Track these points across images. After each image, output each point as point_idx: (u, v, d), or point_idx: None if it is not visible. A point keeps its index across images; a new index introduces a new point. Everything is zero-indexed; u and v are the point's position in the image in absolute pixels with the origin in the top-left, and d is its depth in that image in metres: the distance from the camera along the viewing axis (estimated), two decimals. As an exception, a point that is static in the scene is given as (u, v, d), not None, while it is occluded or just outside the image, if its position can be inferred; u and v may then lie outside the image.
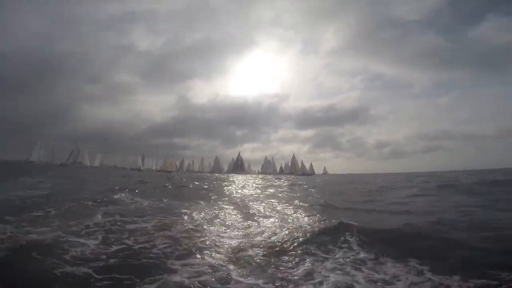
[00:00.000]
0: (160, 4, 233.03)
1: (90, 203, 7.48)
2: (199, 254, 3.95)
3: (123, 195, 9.52)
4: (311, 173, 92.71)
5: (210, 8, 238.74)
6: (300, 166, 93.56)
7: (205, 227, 5.64)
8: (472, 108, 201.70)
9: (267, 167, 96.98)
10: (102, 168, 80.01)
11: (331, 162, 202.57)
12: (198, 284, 3.01)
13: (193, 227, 5.42)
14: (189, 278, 3.15)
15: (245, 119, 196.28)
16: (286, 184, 24.51)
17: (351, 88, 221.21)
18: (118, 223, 5.45)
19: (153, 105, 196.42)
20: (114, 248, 4.03)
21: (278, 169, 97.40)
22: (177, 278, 3.12)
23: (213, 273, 3.32)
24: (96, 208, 6.87)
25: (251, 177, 45.54)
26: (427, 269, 3.46)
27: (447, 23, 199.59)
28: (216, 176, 45.97)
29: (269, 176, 58.70)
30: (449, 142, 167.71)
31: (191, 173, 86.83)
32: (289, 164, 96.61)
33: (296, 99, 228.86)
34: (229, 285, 3.07)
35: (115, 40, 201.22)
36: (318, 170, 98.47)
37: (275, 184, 24.26)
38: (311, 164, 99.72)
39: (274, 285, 3.13)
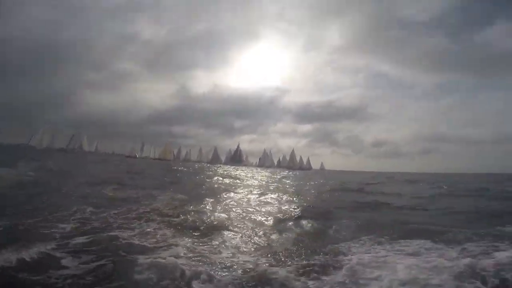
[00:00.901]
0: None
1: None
2: None
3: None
4: (308, 168, 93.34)
5: (214, 1, 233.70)
6: (298, 161, 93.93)
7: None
8: (471, 112, 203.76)
9: (265, 160, 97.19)
10: (98, 154, 78.98)
11: (328, 158, 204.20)
12: None
13: None
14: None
15: (245, 111, 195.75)
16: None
17: (352, 86, 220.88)
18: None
19: (154, 93, 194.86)
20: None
21: (275, 162, 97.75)
22: None
23: None
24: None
25: (256, 172, 44.89)
26: None
27: (454, 26, 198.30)
28: (220, 170, 45.44)
29: (267, 172, 58.56)
30: (446, 145, 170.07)
31: (189, 162, 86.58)
32: (287, 158, 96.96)
33: (297, 94, 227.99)
34: None
35: (120, 29, 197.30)
36: (316, 165, 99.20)
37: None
38: (308, 159, 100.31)
39: None
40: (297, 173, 51.19)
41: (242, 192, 12.09)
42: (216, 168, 48.94)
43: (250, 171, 48.27)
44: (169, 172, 24.21)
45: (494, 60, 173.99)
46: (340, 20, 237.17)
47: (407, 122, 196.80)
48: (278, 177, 30.09)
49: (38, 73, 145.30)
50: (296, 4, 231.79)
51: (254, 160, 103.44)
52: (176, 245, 4.23)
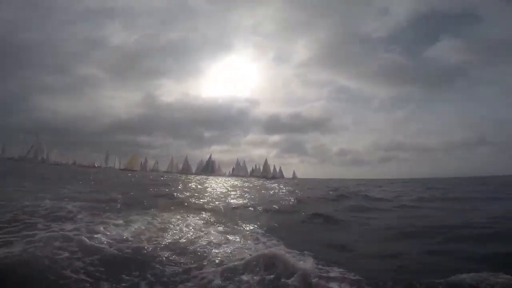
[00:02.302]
0: (139, 0, 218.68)
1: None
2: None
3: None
4: (280, 176, 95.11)
5: (190, 9, 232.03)
6: (271, 170, 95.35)
7: None
8: (422, 122, 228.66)
9: (239, 170, 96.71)
10: (55, 165, 70.77)
11: (298, 167, 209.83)
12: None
13: None
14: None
15: (215, 121, 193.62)
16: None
17: (318, 98, 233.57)
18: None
19: (119, 100, 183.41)
20: None
21: (249, 172, 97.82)
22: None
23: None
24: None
25: (236, 180, 44.60)
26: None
27: (408, 41, 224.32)
28: (198, 179, 44.16)
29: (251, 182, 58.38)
30: (402, 153, 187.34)
31: (157, 172, 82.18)
32: (260, 168, 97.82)
33: (266, 105, 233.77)
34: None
35: (87, 33, 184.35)
36: (288, 174, 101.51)
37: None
38: (280, 168, 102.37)
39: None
40: (283, 182, 52.03)
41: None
42: (194, 177, 47.42)
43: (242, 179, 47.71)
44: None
45: (440, 73, 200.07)
46: (307, 36, 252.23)
47: (368, 132, 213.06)
48: (278, 185, 30.00)
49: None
50: (269, 19, 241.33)
51: (227, 170, 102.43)
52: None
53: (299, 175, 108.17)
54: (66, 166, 67.21)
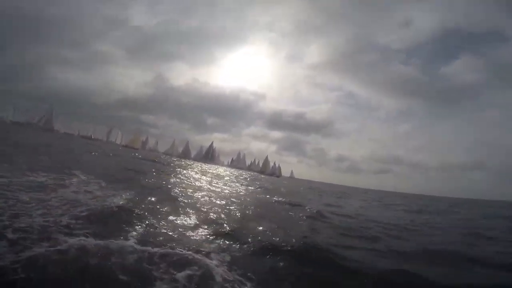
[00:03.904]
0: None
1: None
2: None
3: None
4: (278, 175, 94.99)
5: (212, 2, 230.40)
6: (271, 167, 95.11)
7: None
8: (424, 139, 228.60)
9: (239, 162, 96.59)
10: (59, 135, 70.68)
11: (295, 167, 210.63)
12: None
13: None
14: None
15: (220, 109, 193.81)
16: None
17: (324, 102, 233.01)
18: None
19: (129, 78, 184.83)
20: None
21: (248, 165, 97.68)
22: None
23: None
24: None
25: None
26: None
27: (425, 56, 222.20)
28: (201, 168, 43.88)
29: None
30: (399, 167, 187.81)
31: (156, 153, 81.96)
32: (260, 163, 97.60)
33: (272, 101, 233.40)
34: None
35: (110, 11, 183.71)
36: (285, 173, 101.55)
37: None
38: (279, 166, 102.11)
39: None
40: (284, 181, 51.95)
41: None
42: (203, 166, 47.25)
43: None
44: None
45: (451, 92, 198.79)
46: (323, 39, 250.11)
47: (368, 142, 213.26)
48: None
49: (8, 42, 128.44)
50: (287, 18, 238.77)
51: (226, 160, 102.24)
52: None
53: (297, 175, 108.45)
54: (71, 137, 67.25)
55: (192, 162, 61.28)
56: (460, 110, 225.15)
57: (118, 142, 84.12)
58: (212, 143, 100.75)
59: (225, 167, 78.21)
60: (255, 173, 75.78)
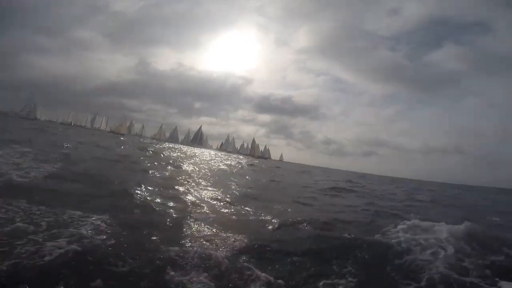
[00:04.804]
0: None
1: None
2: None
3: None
4: (267, 157, 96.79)
5: None
6: (260, 150, 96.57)
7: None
8: (407, 123, 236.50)
9: (227, 145, 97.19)
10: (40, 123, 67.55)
11: (284, 149, 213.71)
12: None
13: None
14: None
15: (206, 94, 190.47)
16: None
17: (311, 86, 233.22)
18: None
19: (111, 64, 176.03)
20: None
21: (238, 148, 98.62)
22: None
23: None
24: None
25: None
26: None
27: (410, 43, 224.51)
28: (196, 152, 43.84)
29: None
30: (383, 149, 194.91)
31: (143, 138, 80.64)
32: (246, 145, 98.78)
33: (260, 85, 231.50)
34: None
35: None
36: (274, 156, 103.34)
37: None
38: (268, 149, 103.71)
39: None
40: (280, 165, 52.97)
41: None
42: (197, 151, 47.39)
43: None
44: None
45: (434, 79, 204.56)
46: (311, 24, 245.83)
47: (353, 125, 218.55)
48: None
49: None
50: (276, 2, 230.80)
51: (215, 144, 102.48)
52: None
53: (286, 158, 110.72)
54: (53, 124, 64.67)
55: (182, 147, 61.22)
56: (441, 96, 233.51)
57: (102, 128, 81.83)
58: (200, 126, 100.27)
59: (214, 151, 78.86)
60: (249, 156, 77.02)
